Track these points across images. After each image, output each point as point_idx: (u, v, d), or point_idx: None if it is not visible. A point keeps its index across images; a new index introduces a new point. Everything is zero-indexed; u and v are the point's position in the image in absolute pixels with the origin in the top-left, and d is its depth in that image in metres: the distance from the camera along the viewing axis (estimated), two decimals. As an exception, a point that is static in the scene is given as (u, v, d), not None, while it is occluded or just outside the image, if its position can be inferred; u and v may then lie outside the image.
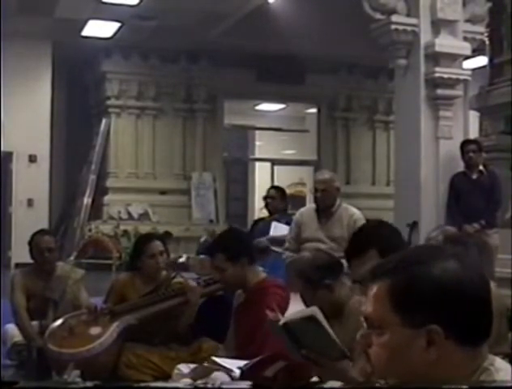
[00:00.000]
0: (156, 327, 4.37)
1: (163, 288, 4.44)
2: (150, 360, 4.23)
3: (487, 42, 8.40)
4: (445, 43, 7.23)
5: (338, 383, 2.41)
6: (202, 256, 8.70)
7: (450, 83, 7.31)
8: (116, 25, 12.27)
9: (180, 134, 14.49)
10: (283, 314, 3.40)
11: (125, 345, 4.28)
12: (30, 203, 13.15)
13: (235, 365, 3.04)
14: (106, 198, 13.92)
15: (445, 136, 7.35)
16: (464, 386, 1.26)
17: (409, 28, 7.26)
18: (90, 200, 13.75)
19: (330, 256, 3.21)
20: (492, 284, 2.51)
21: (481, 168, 7.08)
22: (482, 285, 1.32)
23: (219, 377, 3.33)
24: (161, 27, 12.11)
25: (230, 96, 14.96)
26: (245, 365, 2.98)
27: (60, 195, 14.38)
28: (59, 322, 4.44)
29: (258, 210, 14.17)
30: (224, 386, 3.16)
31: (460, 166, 7.22)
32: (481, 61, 9.49)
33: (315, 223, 5.36)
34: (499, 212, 7.08)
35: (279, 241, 5.98)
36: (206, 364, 3.41)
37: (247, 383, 3.05)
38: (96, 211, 13.84)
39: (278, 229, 6.36)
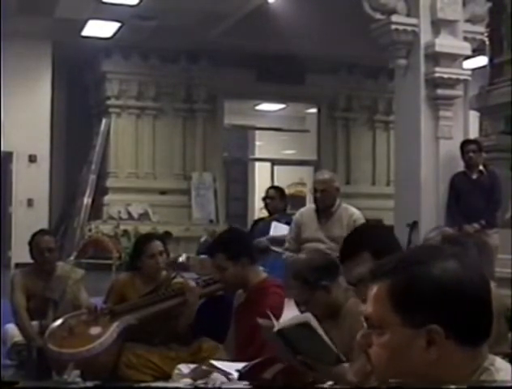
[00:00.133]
0: (156, 327, 4.37)
1: (163, 288, 4.44)
2: (150, 360, 4.23)
3: (487, 42, 8.40)
4: (445, 43, 7.23)
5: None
6: (202, 256, 8.71)
7: (450, 83, 7.31)
8: (116, 25, 12.27)
9: (180, 134, 14.49)
10: (283, 313, 3.40)
11: (125, 345, 4.27)
12: (30, 203, 13.15)
13: (233, 367, 3.04)
14: (106, 198, 13.92)
15: (445, 136, 7.35)
16: (464, 386, 1.26)
17: (409, 28, 7.26)
18: (90, 200, 13.75)
19: (327, 257, 3.21)
20: (492, 284, 2.51)
21: (481, 168, 7.08)
22: (482, 285, 1.32)
23: (219, 377, 3.33)
24: (161, 27, 12.10)
25: (230, 96, 14.96)
26: (244, 367, 2.98)
27: (60, 195, 14.38)
28: (59, 322, 4.44)
29: (258, 210, 14.17)
30: (223, 386, 3.16)
31: (460, 166, 7.21)
32: (481, 61, 9.49)
33: (315, 223, 5.36)
34: (499, 212, 7.08)
35: (279, 241, 5.98)
36: (204, 367, 3.41)
37: (247, 384, 3.06)
38: (96, 211, 13.84)
39: (278, 229, 6.37)
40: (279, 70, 14.21)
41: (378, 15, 7.31)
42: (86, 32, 12.47)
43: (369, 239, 2.59)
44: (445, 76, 7.24)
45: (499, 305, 2.98)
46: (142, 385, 3.95)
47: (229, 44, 12.97)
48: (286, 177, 16.31)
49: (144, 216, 13.90)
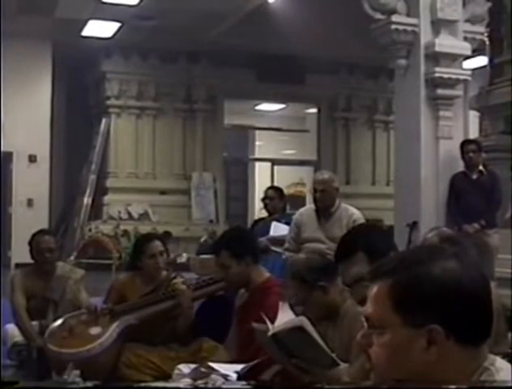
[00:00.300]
0: (156, 327, 4.36)
1: (163, 288, 4.44)
2: (150, 360, 4.23)
3: (487, 42, 8.40)
4: (445, 43, 7.23)
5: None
6: (202, 256, 8.72)
7: (450, 83, 7.31)
8: (116, 25, 12.27)
9: (180, 134, 14.49)
10: None
11: (125, 345, 4.27)
12: (30, 203, 13.16)
13: (231, 369, 3.04)
14: (106, 198, 13.92)
15: (445, 136, 7.34)
16: (464, 386, 1.26)
17: (409, 28, 7.26)
18: (90, 200, 13.75)
19: (326, 258, 3.21)
20: (492, 284, 2.51)
21: (481, 168, 7.08)
22: (482, 285, 1.32)
23: (219, 377, 3.34)
24: (161, 27, 12.10)
25: (230, 96, 14.96)
26: (242, 369, 2.98)
27: (60, 195, 14.38)
28: (59, 322, 4.44)
29: (258, 210, 14.17)
30: (223, 387, 3.16)
31: (460, 166, 7.22)
32: (481, 61, 9.49)
33: (315, 223, 5.37)
34: (499, 212, 7.08)
35: (279, 241, 5.99)
36: (203, 369, 3.41)
37: (246, 384, 3.06)
38: (96, 211, 13.84)
39: (278, 229, 6.37)
40: (279, 70, 14.21)
41: (378, 15, 7.31)
42: (86, 32, 12.47)
43: (365, 239, 2.59)
44: (445, 76, 7.24)
45: (498, 305, 2.98)
46: (142, 385, 3.96)
47: (229, 44, 12.96)
48: (286, 177, 16.32)
49: (144, 216, 13.90)
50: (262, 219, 7.31)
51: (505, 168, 7.44)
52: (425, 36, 7.27)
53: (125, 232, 13.20)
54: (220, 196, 14.63)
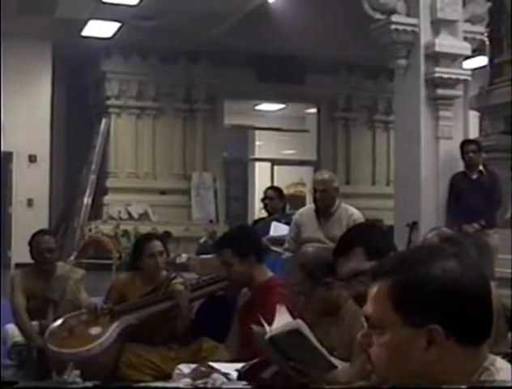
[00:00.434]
0: (156, 327, 4.36)
1: (163, 288, 4.43)
2: (150, 360, 4.22)
3: (487, 42, 8.40)
4: (445, 43, 7.23)
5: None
6: (202, 256, 8.72)
7: (450, 83, 7.31)
8: (116, 25, 12.27)
9: (180, 134, 14.49)
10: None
11: (125, 345, 4.27)
12: (30, 203, 13.16)
13: (232, 368, 3.04)
14: (106, 198, 13.92)
15: (445, 136, 7.34)
16: (464, 387, 1.26)
17: (409, 28, 7.26)
18: (90, 200, 13.75)
19: None
20: (492, 284, 2.51)
21: (481, 168, 7.08)
22: (483, 285, 1.32)
23: (219, 377, 3.34)
24: (161, 27, 12.10)
25: (230, 96, 14.96)
26: (243, 367, 2.99)
27: (60, 195, 14.38)
28: (59, 322, 4.43)
29: (258, 210, 14.17)
30: (223, 387, 3.16)
31: (460, 166, 7.22)
32: (481, 61, 9.49)
33: (315, 223, 5.37)
34: (499, 212, 7.08)
35: (279, 241, 5.99)
36: (203, 368, 3.41)
37: (246, 384, 3.06)
38: (96, 211, 13.84)
39: (278, 229, 6.37)
40: (279, 70, 14.21)
41: (378, 15, 7.31)
42: (86, 32, 12.47)
43: (364, 236, 2.59)
44: (445, 76, 7.24)
45: (499, 305, 2.98)
46: (142, 385, 3.97)
47: (229, 44, 12.96)
48: (286, 177, 16.33)
49: (144, 216, 13.90)
50: (262, 219, 7.31)
51: (505, 168, 7.44)
52: (425, 36, 7.27)
53: (125, 232, 13.20)
54: (220, 196, 14.63)
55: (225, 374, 2.93)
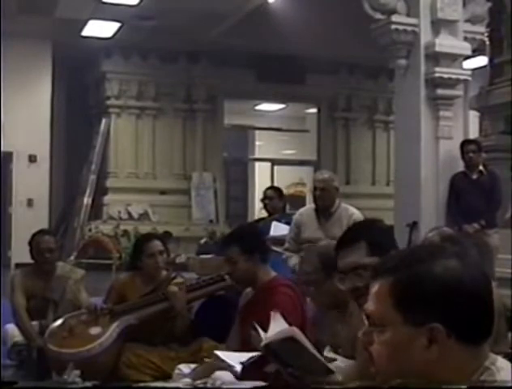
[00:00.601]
0: (156, 327, 4.36)
1: (163, 288, 4.43)
2: (150, 360, 4.22)
3: (487, 42, 8.40)
4: (445, 43, 7.23)
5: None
6: (202, 256, 8.72)
7: (450, 83, 7.31)
8: (116, 25, 12.27)
9: (180, 134, 14.49)
10: (289, 313, 3.41)
11: (125, 345, 4.27)
12: (30, 203, 13.16)
13: (238, 359, 3.03)
14: (106, 198, 13.92)
15: (445, 136, 7.34)
16: (465, 386, 1.26)
17: (409, 28, 7.26)
18: (90, 200, 13.75)
19: None
20: (493, 284, 2.51)
21: (481, 168, 7.08)
22: (484, 284, 1.32)
23: (219, 377, 3.33)
24: (161, 27, 12.10)
25: (230, 96, 14.96)
26: (247, 360, 2.99)
27: (60, 195, 14.38)
28: (59, 322, 4.43)
29: (258, 210, 14.17)
30: (224, 387, 3.16)
31: (460, 166, 7.22)
32: (481, 61, 9.50)
33: (315, 223, 5.37)
34: (499, 212, 7.08)
35: (279, 241, 5.98)
36: (207, 360, 3.41)
37: (247, 383, 3.06)
38: (96, 211, 13.84)
39: (278, 229, 6.37)
40: (279, 70, 14.21)
41: (378, 15, 7.31)
42: (86, 32, 12.47)
43: (368, 231, 2.60)
44: (445, 76, 7.24)
45: (499, 305, 2.98)
46: (142, 385, 3.97)
47: (229, 44, 12.96)
48: (286, 177, 16.33)
49: (144, 216, 13.90)
50: (262, 219, 7.30)
51: (505, 168, 7.44)
52: (425, 36, 7.27)
53: (125, 232, 13.20)
54: (220, 196, 14.63)
55: (230, 366, 2.92)
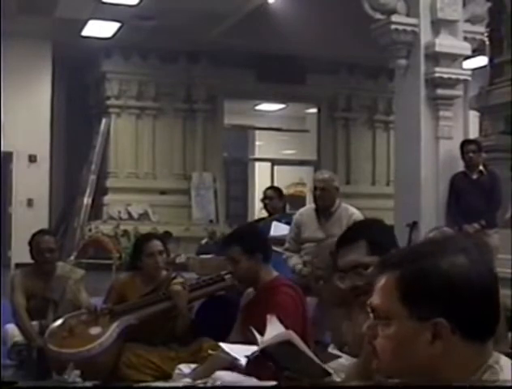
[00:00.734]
0: (156, 327, 4.36)
1: (163, 288, 4.43)
2: (150, 360, 4.22)
3: (487, 42, 8.40)
4: (445, 43, 7.23)
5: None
6: (202, 256, 8.72)
7: (450, 83, 7.31)
8: (116, 25, 12.27)
9: (180, 134, 14.49)
10: (291, 313, 3.41)
11: (125, 345, 4.27)
12: (30, 203, 13.15)
13: (242, 352, 3.03)
14: (106, 198, 13.92)
15: (445, 136, 7.35)
16: (467, 383, 1.26)
17: (409, 28, 7.26)
18: (90, 200, 13.75)
19: None
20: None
21: (481, 168, 7.08)
22: (490, 281, 1.32)
23: (219, 377, 3.33)
24: (161, 27, 12.10)
25: (230, 96, 14.96)
26: (252, 354, 2.98)
27: (60, 195, 14.38)
28: (59, 322, 4.44)
29: (258, 210, 14.17)
30: (223, 387, 3.16)
31: (460, 166, 7.22)
32: (481, 61, 9.50)
33: (315, 223, 5.37)
34: (499, 212, 7.08)
35: (279, 241, 5.99)
36: (211, 351, 3.39)
37: (248, 380, 3.06)
38: (96, 211, 13.84)
39: (278, 229, 6.37)
40: (279, 70, 14.21)
41: (378, 15, 7.31)
42: (86, 32, 12.47)
43: (369, 230, 2.60)
44: (445, 76, 7.24)
45: (501, 305, 2.97)
46: (142, 385, 3.97)
47: (229, 44, 12.96)
48: (286, 177, 16.32)
49: (144, 216, 13.90)
50: (262, 219, 7.31)
51: (505, 168, 7.44)
52: (425, 36, 7.27)
53: (125, 232, 13.20)
54: (220, 196, 14.63)
55: (234, 359, 2.91)
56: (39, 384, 4.26)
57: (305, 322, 3.59)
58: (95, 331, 4.27)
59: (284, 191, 7.85)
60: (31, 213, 12.91)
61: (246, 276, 3.77)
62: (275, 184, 13.35)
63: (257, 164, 17.02)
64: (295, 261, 5.39)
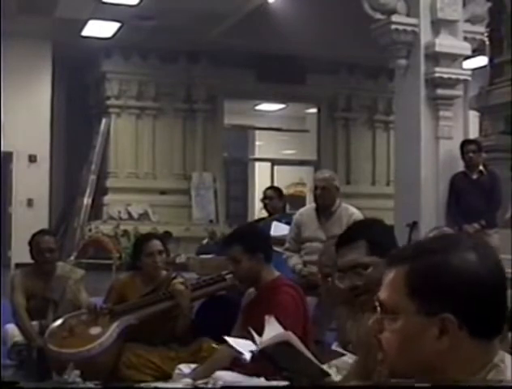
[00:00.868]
0: (156, 326, 4.36)
1: (163, 288, 4.43)
2: (150, 360, 4.22)
3: (487, 42, 8.41)
4: (445, 43, 7.23)
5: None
6: (202, 256, 8.72)
7: (450, 83, 7.31)
8: (116, 25, 12.27)
9: (180, 134, 14.49)
10: (292, 313, 3.40)
11: (125, 345, 4.27)
12: (30, 203, 13.15)
13: (247, 347, 3.03)
14: (106, 198, 13.92)
15: (445, 136, 7.35)
16: (473, 380, 1.26)
17: (409, 28, 7.26)
18: (90, 200, 13.75)
19: None
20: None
21: (481, 168, 7.08)
22: (500, 280, 1.31)
23: (220, 377, 3.34)
24: (161, 27, 12.11)
25: (230, 96, 14.96)
26: (257, 348, 2.98)
27: (60, 195, 14.38)
28: (59, 322, 4.44)
29: (258, 210, 14.16)
30: (223, 387, 3.16)
31: (460, 166, 7.22)
32: (481, 61, 9.50)
33: (315, 222, 5.38)
34: (499, 212, 7.08)
35: (279, 240, 5.98)
36: (215, 345, 3.38)
37: (248, 380, 3.05)
38: (96, 211, 13.84)
39: (278, 229, 6.37)
40: (279, 70, 14.21)
41: (378, 15, 7.31)
42: (86, 32, 12.47)
43: (368, 229, 2.60)
44: (445, 76, 7.24)
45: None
46: (142, 385, 3.97)
47: (229, 44, 12.97)
48: (286, 177, 16.32)
49: (144, 216, 13.90)
50: (262, 219, 7.31)
51: (505, 168, 7.45)
52: (425, 36, 7.27)
53: (125, 232, 13.20)
54: (220, 196, 14.63)
55: (239, 353, 2.91)
56: (39, 384, 4.26)
57: (306, 322, 3.59)
58: (95, 331, 4.27)
59: (284, 191, 7.85)
60: (31, 213, 12.91)
61: (247, 276, 3.76)
62: (275, 184, 13.35)
63: (257, 164, 17.02)
64: (295, 261, 5.39)
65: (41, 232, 5.19)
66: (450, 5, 7.22)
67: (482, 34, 7.78)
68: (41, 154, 13.31)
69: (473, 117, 8.97)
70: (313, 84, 14.82)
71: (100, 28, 12.42)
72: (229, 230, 8.14)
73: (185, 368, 3.75)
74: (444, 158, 7.34)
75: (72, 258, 11.73)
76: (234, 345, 3.03)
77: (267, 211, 6.98)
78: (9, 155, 13.07)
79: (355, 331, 2.63)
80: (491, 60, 8.64)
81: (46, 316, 4.82)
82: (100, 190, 13.92)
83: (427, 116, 7.33)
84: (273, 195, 6.94)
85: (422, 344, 1.28)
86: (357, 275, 2.41)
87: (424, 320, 1.28)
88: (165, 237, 8.03)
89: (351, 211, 5.39)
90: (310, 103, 16.04)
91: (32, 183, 13.09)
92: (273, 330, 2.61)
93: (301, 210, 5.80)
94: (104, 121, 14.07)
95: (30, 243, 5.03)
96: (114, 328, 4.25)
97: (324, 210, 5.38)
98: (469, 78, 7.47)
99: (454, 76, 7.29)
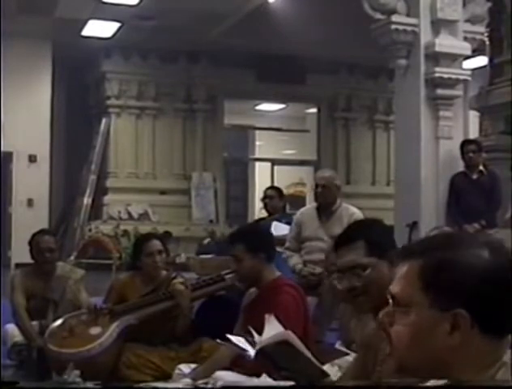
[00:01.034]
0: (156, 327, 4.36)
1: (163, 288, 4.43)
2: (150, 360, 4.22)
3: (487, 42, 8.41)
4: (445, 43, 7.23)
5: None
6: (202, 256, 8.73)
7: (450, 83, 7.31)
8: (116, 25, 12.28)
9: (180, 134, 14.49)
10: (292, 313, 3.40)
11: (125, 345, 4.27)
12: (30, 203, 13.16)
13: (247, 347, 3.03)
14: (106, 198, 13.92)
15: (445, 136, 7.35)
16: (480, 379, 1.26)
17: (409, 28, 7.26)
18: (90, 200, 13.75)
19: None
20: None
21: (481, 168, 7.08)
22: None
23: (220, 377, 3.34)
24: (161, 27, 12.11)
25: (230, 96, 14.96)
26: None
27: (60, 195, 14.38)
28: (59, 322, 4.44)
29: (258, 210, 14.16)
30: (223, 387, 3.16)
31: (460, 166, 7.22)
32: (481, 61, 9.50)
33: (316, 222, 5.38)
34: (499, 212, 7.08)
35: (279, 240, 5.99)
36: (218, 340, 3.38)
37: (249, 380, 3.05)
38: (96, 211, 13.84)
39: (278, 229, 6.37)
40: (279, 70, 14.21)
41: (378, 15, 7.31)
42: (86, 32, 12.47)
43: (367, 230, 2.59)
44: (445, 76, 7.24)
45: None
46: (142, 385, 3.97)
47: (229, 44, 12.97)
48: (286, 177, 16.32)
49: (144, 216, 13.90)
50: (262, 219, 7.31)
51: (505, 168, 7.45)
52: (425, 36, 7.27)
53: (125, 232, 13.20)
54: (220, 196, 14.63)
55: (243, 350, 2.91)
56: (39, 384, 4.26)
57: (307, 322, 3.59)
58: (95, 331, 4.27)
59: (284, 191, 7.85)
60: (31, 213, 12.91)
61: (249, 275, 3.77)
62: (275, 184, 13.35)
63: (257, 164, 17.02)
64: (295, 261, 5.39)
65: (41, 232, 5.19)
66: (450, 5, 7.22)
67: (482, 34, 7.79)
68: (41, 154, 13.31)
69: (473, 117, 8.97)
70: (313, 84, 14.82)
71: (100, 28, 12.42)
72: (229, 230, 8.16)
73: (185, 368, 3.75)
74: (444, 158, 7.34)
75: (72, 258, 11.72)
76: (237, 343, 3.03)
77: (267, 211, 6.98)
78: (9, 155, 13.07)
79: (359, 330, 2.63)
80: (491, 60, 8.64)
81: (46, 316, 4.82)
82: (100, 190, 13.92)
83: (427, 116, 7.33)
84: (273, 195, 6.95)
85: (433, 338, 1.28)
86: (356, 276, 2.41)
87: (437, 315, 1.28)
88: (165, 237, 8.03)
89: (351, 211, 5.40)
90: (310, 103, 16.04)
91: (32, 183, 13.09)
92: (273, 329, 2.61)
93: (302, 209, 5.81)
94: (104, 121, 14.07)
95: (30, 243, 5.03)
96: (114, 328, 4.24)
97: (325, 209, 5.38)
98: (469, 78, 7.47)
99: (454, 76, 7.29)
